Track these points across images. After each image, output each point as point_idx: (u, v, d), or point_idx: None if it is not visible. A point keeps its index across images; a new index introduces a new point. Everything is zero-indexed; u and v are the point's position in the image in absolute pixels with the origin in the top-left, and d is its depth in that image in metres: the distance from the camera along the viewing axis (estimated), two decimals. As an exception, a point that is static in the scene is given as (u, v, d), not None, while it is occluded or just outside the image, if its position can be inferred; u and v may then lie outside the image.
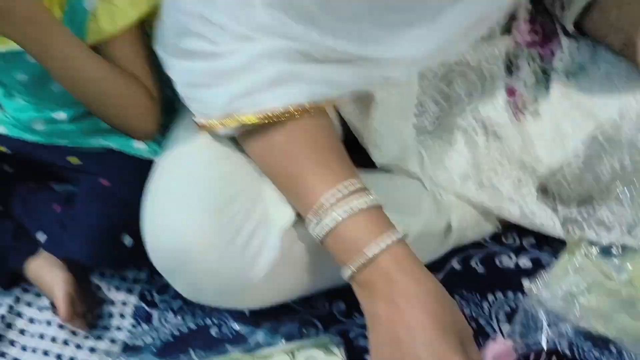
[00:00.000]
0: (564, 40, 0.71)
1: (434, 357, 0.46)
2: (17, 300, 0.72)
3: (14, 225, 0.71)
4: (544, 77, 0.71)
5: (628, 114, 0.63)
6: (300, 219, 0.56)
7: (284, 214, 0.57)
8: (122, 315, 0.70)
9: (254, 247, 0.57)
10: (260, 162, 0.57)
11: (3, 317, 0.70)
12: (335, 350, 0.61)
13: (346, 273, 0.51)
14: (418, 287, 0.49)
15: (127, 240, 0.64)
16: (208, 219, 0.56)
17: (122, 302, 0.71)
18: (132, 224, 0.60)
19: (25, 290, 0.73)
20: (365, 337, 0.55)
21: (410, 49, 0.58)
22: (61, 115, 0.70)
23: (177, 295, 0.65)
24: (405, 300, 0.48)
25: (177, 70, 0.58)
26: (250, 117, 0.53)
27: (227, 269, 0.57)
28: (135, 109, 0.65)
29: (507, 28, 0.72)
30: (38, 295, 0.72)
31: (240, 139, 0.58)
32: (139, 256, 0.62)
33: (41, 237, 0.69)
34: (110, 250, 0.65)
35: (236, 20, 0.53)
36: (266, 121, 0.53)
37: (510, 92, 0.70)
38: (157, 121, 0.67)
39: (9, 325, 0.70)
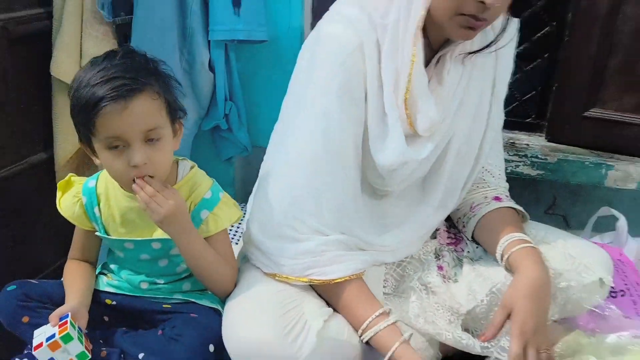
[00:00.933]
0: (468, 242, 1.22)
1: None
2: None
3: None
4: (459, 261, 1.20)
5: (509, 277, 1.10)
6: (326, 324, 0.98)
7: (319, 320, 0.98)
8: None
9: (300, 340, 0.96)
10: (320, 292, 1.04)
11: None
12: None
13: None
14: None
15: (212, 348, 0.99)
16: (273, 324, 0.96)
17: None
18: (213, 338, 0.98)
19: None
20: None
21: (395, 242, 1.10)
22: (161, 280, 1.10)
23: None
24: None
25: (269, 244, 1.05)
26: (319, 280, 1.02)
27: (283, 353, 0.94)
28: (224, 278, 1.07)
29: (434, 235, 1.24)
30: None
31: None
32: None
33: (141, 356, 1.02)
34: (201, 356, 0.99)
35: (314, 219, 1.02)
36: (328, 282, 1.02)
37: (440, 268, 1.17)
38: (233, 287, 1.08)
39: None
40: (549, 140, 1.62)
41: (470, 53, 1.05)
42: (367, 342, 1.01)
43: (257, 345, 0.96)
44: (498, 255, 1.11)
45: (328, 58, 1.01)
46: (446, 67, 1.05)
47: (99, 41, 1.47)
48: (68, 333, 0.95)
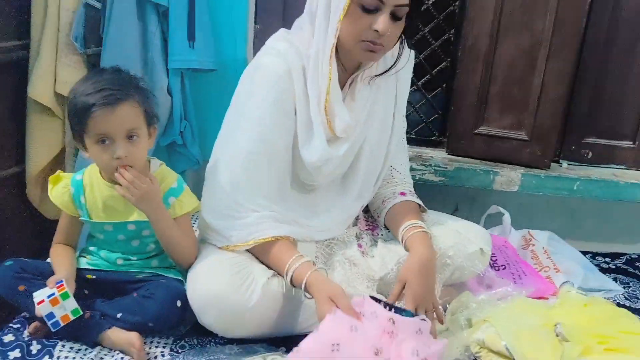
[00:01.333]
0: (382, 228, 1.54)
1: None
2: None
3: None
4: (375, 242, 1.51)
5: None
6: (269, 281, 1.25)
7: (262, 277, 1.26)
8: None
9: (249, 292, 1.23)
10: (259, 253, 1.30)
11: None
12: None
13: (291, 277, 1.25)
14: (319, 282, 1.21)
15: (179, 304, 1.25)
16: (227, 280, 1.22)
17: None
18: (179, 295, 1.24)
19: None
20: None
21: (323, 224, 1.40)
22: (134, 257, 1.34)
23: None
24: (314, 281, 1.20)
25: (218, 223, 1.32)
26: (258, 240, 1.28)
27: (235, 301, 1.22)
28: (187, 250, 1.32)
29: (355, 223, 1.55)
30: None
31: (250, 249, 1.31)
32: (184, 317, 1.24)
33: (119, 315, 1.26)
34: (170, 312, 1.24)
35: (248, 202, 1.31)
36: (262, 241, 1.28)
37: (360, 246, 1.48)
38: (194, 259, 1.33)
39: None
40: (448, 153, 1.98)
41: (375, 76, 1.38)
42: (292, 284, 1.26)
43: (216, 296, 1.22)
44: (399, 238, 1.43)
45: (263, 81, 1.32)
46: (357, 87, 1.38)
47: (72, 69, 1.72)
48: (66, 292, 1.18)
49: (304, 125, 1.35)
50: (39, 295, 1.19)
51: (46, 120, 1.76)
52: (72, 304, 1.19)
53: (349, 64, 1.35)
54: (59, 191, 1.31)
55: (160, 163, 1.35)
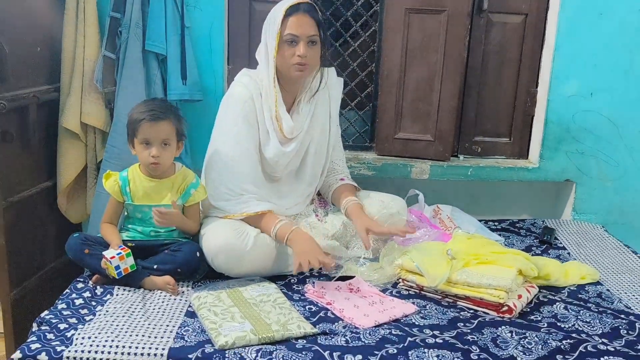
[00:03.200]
0: (331, 205, 2.18)
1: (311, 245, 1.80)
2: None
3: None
4: (327, 214, 2.14)
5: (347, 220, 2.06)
6: (259, 234, 1.87)
7: (254, 232, 1.88)
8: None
9: (246, 240, 1.85)
10: (251, 222, 1.92)
11: (144, 296, 1.77)
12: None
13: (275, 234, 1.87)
14: (296, 235, 1.84)
15: (197, 254, 1.83)
16: (230, 234, 1.83)
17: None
18: (198, 249, 1.84)
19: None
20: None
21: (288, 203, 2.05)
22: (162, 230, 1.92)
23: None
24: (296, 239, 1.83)
25: (219, 203, 1.93)
26: (249, 213, 1.90)
27: (236, 247, 1.83)
28: (192, 228, 1.91)
29: (312, 202, 2.18)
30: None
31: (244, 219, 1.92)
32: (200, 264, 1.83)
33: (155, 266, 1.83)
34: (193, 259, 1.82)
35: (238, 188, 1.93)
36: (252, 215, 1.90)
37: (317, 216, 2.11)
38: (195, 232, 1.93)
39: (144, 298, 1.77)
40: (377, 154, 2.64)
41: (313, 95, 2.04)
42: (277, 239, 1.88)
43: (223, 244, 1.82)
44: (342, 210, 2.08)
45: (235, 105, 1.97)
46: (300, 104, 2.04)
47: (94, 104, 2.30)
48: (129, 252, 1.75)
49: (264, 133, 1.99)
50: (109, 253, 1.74)
51: (74, 143, 2.33)
52: (131, 260, 1.77)
53: (290, 87, 2.00)
54: (111, 183, 1.88)
55: (181, 165, 1.95)
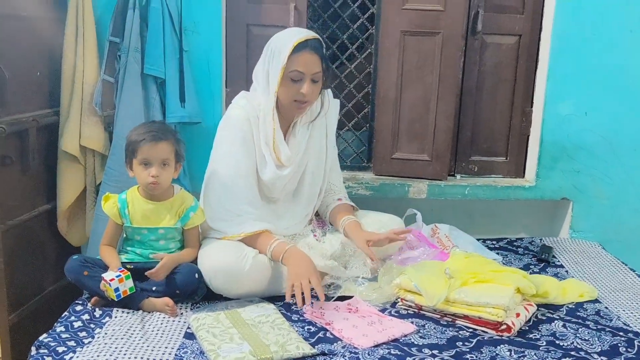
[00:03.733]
0: (329, 225, 2.19)
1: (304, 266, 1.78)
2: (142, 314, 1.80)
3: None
4: (325, 234, 2.15)
5: (345, 239, 2.07)
6: (258, 255, 1.88)
7: (252, 253, 1.88)
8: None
9: (244, 261, 1.85)
10: (249, 242, 1.92)
11: (142, 318, 1.77)
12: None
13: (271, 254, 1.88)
14: (291, 254, 1.84)
15: (196, 275, 1.84)
16: (229, 255, 1.84)
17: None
18: (197, 271, 1.84)
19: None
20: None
21: (285, 224, 2.06)
22: (161, 254, 1.92)
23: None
24: (290, 258, 1.83)
25: (217, 224, 1.94)
26: (247, 233, 1.91)
27: (235, 268, 1.83)
28: (192, 257, 1.91)
29: (311, 222, 2.19)
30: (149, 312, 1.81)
31: (242, 240, 1.92)
32: (199, 286, 1.83)
33: (154, 288, 1.83)
34: (191, 281, 1.82)
35: (237, 209, 1.94)
36: (250, 235, 1.91)
37: (315, 236, 2.12)
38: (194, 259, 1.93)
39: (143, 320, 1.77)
40: (374, 174, 2.66)
41: (311, 122, 2.06)
42: (272, 258, 1.89)
43: (221, 265, 1.83)
44: (340, 229, 2.09)
45: (232, 127, 1.99)
46: (297, 128, 2.05)
47: (93, 127, 2.32)
48: (128, 274, 1.76)
49: (260, 156, 2.01)
50: (108, 276, 1.75)
51: (73, 166, 2.34)
52: (130, 282, 1.77)
53: (288, 114, 2.02)
54: (110, 206, 1.89)
55: (180, 188, 1.96)
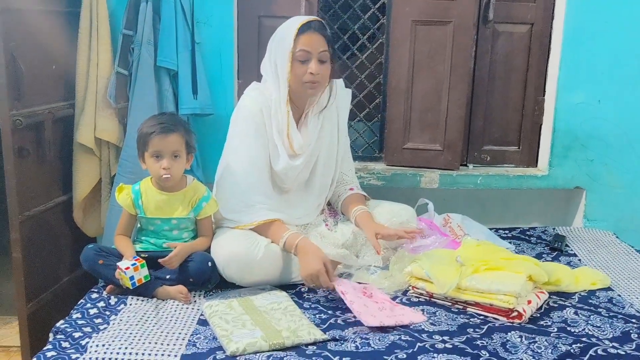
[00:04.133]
0: (340, 215, 2.20)
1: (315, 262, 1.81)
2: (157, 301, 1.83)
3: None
4: (336, 223, 2.16)
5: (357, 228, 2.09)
6: (270, 244, 1.90)
7: (265, 242, 1.90)
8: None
9: (256, 250, 1.87)
10: (261, 231, 1.94)
11: (157, 306, 1.80)
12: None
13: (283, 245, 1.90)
14: (303, 247, 1.85)
15: (209, 264, 1.86)
16: (241, 244, 1.86)
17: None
18: (210, 259, 1.87)
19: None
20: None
21: (298, 213, 2.08)
22: (174, 243, 1.95)
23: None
24: (302, 250, 1.84)
25: (231, 215, 1.96)
26: (259, 222, 1.94)
27: (247, 256, 1.85)
28: (206, 245, 1.93)
29: (322, 212, 2.20)
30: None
31: (254, 229, 1.94)
32: (212, 274, 1.86)
33: (168, 276, 1.86)
34: (205, 269, 1.85)
35: (249, 199, 1.96)
36: (262, 223, 1.93)
37: (327, 225, 2.13)
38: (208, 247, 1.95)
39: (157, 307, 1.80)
40: (386, 164, 2.67)
41: (321, 111, 2.07)
42: (285, 249, 1.91)
43: (234, 253, 1.85)
44: (352, 219, 2.11)
45: (244, 118, 2.01)
46: (309, 118, 2.07)
47: (107, 119, 2.36)
48: (143, 263, 1.79)
49: (272, 146, 2.03)
50: (123, 264, 1.78)
51: (88, 158, 2.38)
52: (145, 271, 1.80)
53: (300, 102, 2.04)
54: (123, 197, 1.92)
55: (192, 178, 1.99)
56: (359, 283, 1.92)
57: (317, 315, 1.76)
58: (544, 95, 2.64)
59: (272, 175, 2.06)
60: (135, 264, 1.78)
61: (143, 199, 1.92)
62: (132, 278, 1.78)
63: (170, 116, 1.95)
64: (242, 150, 2.00)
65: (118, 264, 1.79)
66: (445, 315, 1.78)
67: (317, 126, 2.09)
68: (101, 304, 1.80)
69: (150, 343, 1.56)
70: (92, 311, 1.76)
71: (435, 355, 1.53)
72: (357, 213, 2.09)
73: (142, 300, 1.83)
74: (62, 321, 1.69)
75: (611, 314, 1.79)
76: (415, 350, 1.55)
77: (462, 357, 1.52)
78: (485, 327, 1.70)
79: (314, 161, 2.12)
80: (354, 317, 1.71)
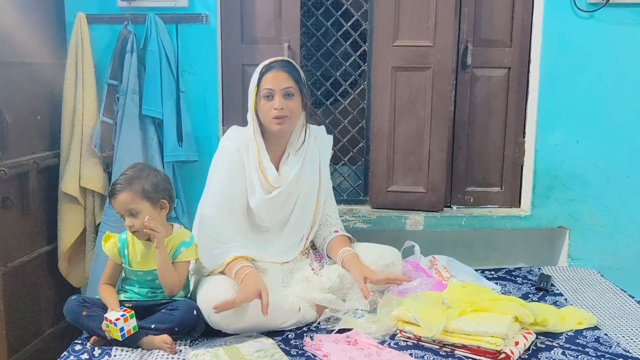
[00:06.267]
0: (326, 258, 2.20)
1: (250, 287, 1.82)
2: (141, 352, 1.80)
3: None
4: (322, 266, 2.16)
5: (343, 270, 2.09)
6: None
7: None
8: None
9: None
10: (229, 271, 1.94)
11: (142, 356, 1.77)
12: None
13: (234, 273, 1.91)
14: (248, 276, 1.86)
15: (195, 312, 1.84)
16: (226, 290, 1.85)
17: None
18: (195, 308, 1.85)
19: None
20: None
21: (271, 252, 2.08)
22: (158, 291, 1.93)
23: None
24: (246, 278, 1.85)
25: (205, 255, 1.96)
26: (227, 261, 1.93)
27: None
28: (173, 282, 1.89)
29: (308, 256, 2.21)
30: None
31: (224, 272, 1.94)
32: (198, 322, 1.84)
33: (153, 325, 1.84)
34: (190, 318, 1.83)
35: (220, 235, 1.97)
36: (227, 265, 1.93)
37: (313, 269, 2.13)
38: (175, 292, 1.91)
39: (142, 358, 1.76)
40: (371, 207, 2.69)
41: (298, 148, 2.12)
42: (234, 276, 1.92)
43: (217, 300, 1.82)
44: (338, 261, 2.11)
45: (222, 157, 2.08)
46: (289, 157, 2.12)
47: (92, 168, 2.37)
48: (132, 314, 1.76)
49: (249, 183, 2.08)
50: (112, 315, 1.75)
51: (73, 207, 2.38)
52: (134, 322, 1.77)
53: (277, 141, 2.11)
54: (110, 246, 1.91)
55: (179, 226, 1.99)
56: (344, 330, 1.91)
57: (305, 362, 1.74)
58: (524, 137, 2.70)
59: (250, 214, 2.10)
60: (124, 314, 1.76)
61: (129, 248, 1.91)
62: (122, 329, 1.75)
63: (132, 170, 1.91)
64: (215, 188, 2.06)
65: (106, 315, 1.77)
66: (434, 358, 1.77)
67: (297, 164, 2.13)
68: (85, 356, 1.77)
69: (134, 396, 1.53)
70: (76, 364, 1.72)
71: (424, 400, 1.51)
72: (344, 255, 2.10)
73: (127, 351, 1.80)
74: (44, 375, 1.66)
75: (599, 353, 1.79)
76: (403, 396, 1.53)
77: (451, 402, 1.51)
78: (474, 370, 1.69)
79: (294, 200, 2.14)
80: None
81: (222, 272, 1.97)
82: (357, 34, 2.69)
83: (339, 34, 2.70)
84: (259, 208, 2.07)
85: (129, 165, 1.95)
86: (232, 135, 2.13)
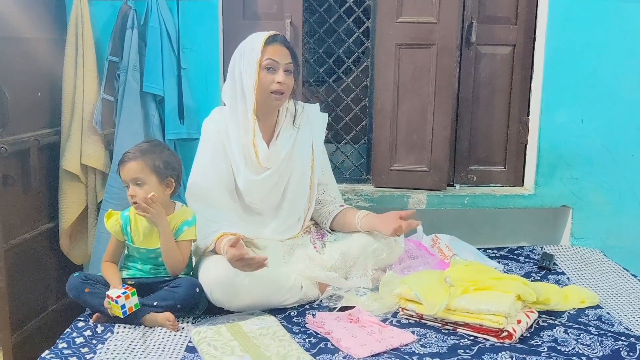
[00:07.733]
0: (328, 234, 2.20)
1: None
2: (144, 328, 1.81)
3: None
4: (324, 245, 2.15)
5: (347, 249, 2.08)
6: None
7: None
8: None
9: (242, 273, 1.84)
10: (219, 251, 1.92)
11: (144, 333, 1.78)
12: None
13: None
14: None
15: (197, 290, 1.84)
16: (227, 267, 1.84)
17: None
18: (197, 285, 1.85)
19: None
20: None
21: (266, 231, 2.08)
22: (161, 268, 1.93)
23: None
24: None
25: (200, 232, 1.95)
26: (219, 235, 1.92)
27: (234, 280, 1.83)
28: (177, 260, 1.89)
29: (308, 230, 2.20)
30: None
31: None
32: (200, 300, 1.84)
33: (155, 303, 1.84)
34: (192, 295, 1.83)
35: (215, 216, 1.96)
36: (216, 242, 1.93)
37: (315, 247, 2.12)
38: (179, 271, 1.92)
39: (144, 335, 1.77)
40: (374, 186, 2.68)
41: (293, 122, 2.10)
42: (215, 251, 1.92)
43: (222, 278, 1.83)
44: (357, 223, 2.11)
45: (204, 139, 2.08)
46: (281, 133, 2.09)
47: (93, 145, 2.35)
48: (134, 291, 1.76)
49: (235, 164, 2.06)
50: (113, 293, 1.75)
51: (74, 185, 2.37)
52: (135, 299, 1.77)
53: (267, 119, 2.07)
54: (112, 223, 1.91)
55: (181, 204, 1.98)
56: (346, 307, 1.91)
57: (307, 340, 1.74)
58: (528, 115, 2.67)
59: (241, 197, 2.09)
60: (126, 292, 1.76)
61: (132, 225, 1.90)
62: (123, 307, 1.75)
63: (144, 144, 1.94)
64: (198, 168, 2.06)
65: (108, 292, 1.77)
66: (436, 336, 1.77)
67: (288, 141, 2.11)
68: (87, 332, 1.78)
69: (137, 372, 1.54)
70: (79, 340, 1.73)
71: (426, 377, 1.52)
72: (362, 216, 2.12)
73: (130, 328, 1.80)
74: (47, 351, 1.66)
75: (601, 332, 1.79)
76: (405, 373, 1.54)
77: (453, 379, 1.51)
78: (476, 347, 1.69)
79: (285, 182, 2.13)
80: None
81: (214, 252, 1.95)
82: (360, 10, 2.65)
83: (342, 10, 2.66)
84: (247, 189, 2.05)
85: (145, 139, 1.95)
86: (214, 117, 2.10)
